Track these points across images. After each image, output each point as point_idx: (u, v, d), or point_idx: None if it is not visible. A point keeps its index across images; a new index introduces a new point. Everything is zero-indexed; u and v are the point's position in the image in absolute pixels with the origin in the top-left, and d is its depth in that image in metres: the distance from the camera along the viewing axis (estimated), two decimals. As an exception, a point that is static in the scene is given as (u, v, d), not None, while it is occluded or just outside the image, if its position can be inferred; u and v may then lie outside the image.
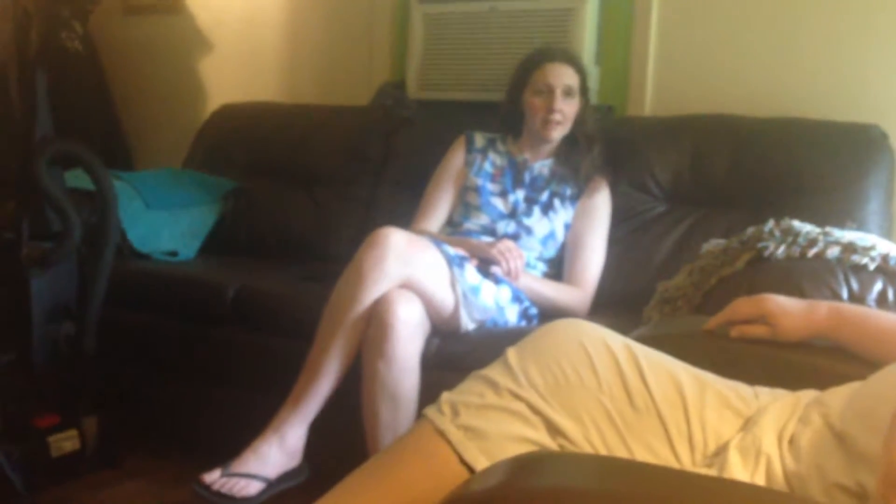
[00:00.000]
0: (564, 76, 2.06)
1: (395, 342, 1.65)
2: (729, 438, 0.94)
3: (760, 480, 0.88)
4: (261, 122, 2.81)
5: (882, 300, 1.45)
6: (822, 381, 0.97)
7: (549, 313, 1.97)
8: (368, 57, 2.82)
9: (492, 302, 1.87)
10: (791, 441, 0.89)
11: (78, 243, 1.88)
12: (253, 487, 1.66)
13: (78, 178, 2.04)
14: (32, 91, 1.98)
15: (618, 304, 1.99)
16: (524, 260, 1.96)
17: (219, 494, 1.63)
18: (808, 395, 0.96)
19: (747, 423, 0.95)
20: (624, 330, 1.30)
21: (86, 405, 1.94)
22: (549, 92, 2.05)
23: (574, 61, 2.11)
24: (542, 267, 2.08)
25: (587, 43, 2.37)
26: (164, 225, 2.45)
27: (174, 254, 2.42)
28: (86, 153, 1.92)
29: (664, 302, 1.69)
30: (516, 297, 1.93)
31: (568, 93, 2.06)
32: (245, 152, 2.75)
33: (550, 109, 2.04)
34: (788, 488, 0.86)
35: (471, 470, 0.91)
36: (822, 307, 1.12)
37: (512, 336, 1.09)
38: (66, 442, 1.88)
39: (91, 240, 1.93)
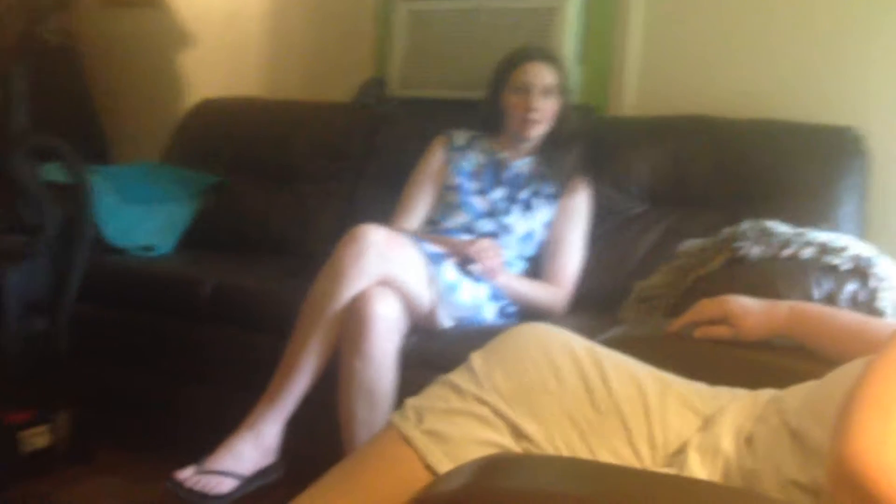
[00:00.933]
0: (543, 75, 2.06)
1: (372, 339, 1.65)
2: (689, 438, 0.95)
3: (717, 479, 0.89)
4: (241, 117, 2.79)
5: (854, 300, 1.47)
6: (783, 379, 0.98)
7: (527, 311, 1.97)
8: (351, 53, 2.81)
9: (470, 300, 1.87)
10: (748, 440, 0.90)
11: (53, 237, 1.86)
12: (226, 485, 1.64)
13: (54, 172, 2.02)
14: (10, 84, 1.96)
15: (596, 302, 2.00)
16: (502, 258, 1.96)
17: (191, 492, 1.61)
18: (767, 394, 0.98)
19: (707, 423, 0.96)
20: (600, 328, 1.30)
21: (58, 401, 1.92)
22: (528, 91, 2.05)
23: (553, 60, 2.11)
24: (521, 265, 2.08)
25: (570, 42, 2.38)
26: (141, 220, 2.42)
27: (150, 248, 2.40)
28: (62, 147, 1.90)
29: (640, 301, 1.70)
30: (495, 296, 1.93)
31: (546, 92, 2.06)
32: (225, 147, 2.73)
33: (528, 108, 2.04)
34: (745, 486, 0.87)
35: (435, 474, 0.91)
36: (783, 306, 1.13)
37: (489, 334, 1.08)
38: (37, 437, 1.86)
39: (66, 234, 1.91)
